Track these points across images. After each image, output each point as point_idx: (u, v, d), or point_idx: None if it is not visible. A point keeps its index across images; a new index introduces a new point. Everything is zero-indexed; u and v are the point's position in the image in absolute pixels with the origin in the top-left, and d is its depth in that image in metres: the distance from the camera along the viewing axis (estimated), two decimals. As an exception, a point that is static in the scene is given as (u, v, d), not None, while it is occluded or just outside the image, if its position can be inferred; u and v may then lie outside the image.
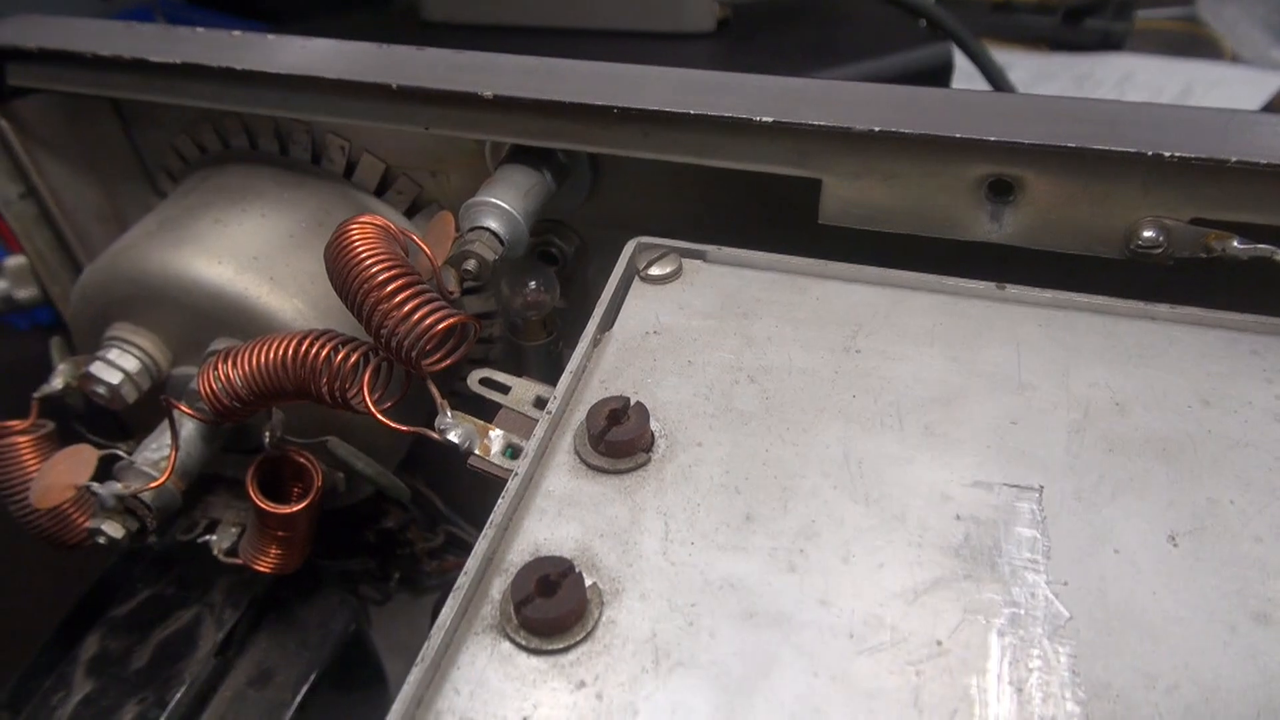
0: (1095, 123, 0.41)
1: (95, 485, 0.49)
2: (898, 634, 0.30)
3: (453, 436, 0.41)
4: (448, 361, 0.42)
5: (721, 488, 0.35)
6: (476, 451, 0.41)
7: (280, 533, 0.53)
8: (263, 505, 0.51)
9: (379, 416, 0.42)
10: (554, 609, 0.30)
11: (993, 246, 0.45)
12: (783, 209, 0.50)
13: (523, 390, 0.44)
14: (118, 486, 0.49)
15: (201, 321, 0.52)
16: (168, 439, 0.53)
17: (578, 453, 0.36)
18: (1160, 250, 0.42)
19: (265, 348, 0.45)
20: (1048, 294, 0.41)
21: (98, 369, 0.52)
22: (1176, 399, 0.36)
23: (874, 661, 0.29)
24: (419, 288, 0.41)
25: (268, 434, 0.51)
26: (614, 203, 0.54)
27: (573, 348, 0.40)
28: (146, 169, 0.64)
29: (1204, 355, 0.38)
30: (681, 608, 0.31)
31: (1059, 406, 0.37)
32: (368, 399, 0.42)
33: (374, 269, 0.42)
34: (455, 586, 0.32)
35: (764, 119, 0.43)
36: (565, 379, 0.39)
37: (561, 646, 0.30)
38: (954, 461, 0.35)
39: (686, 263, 0.44)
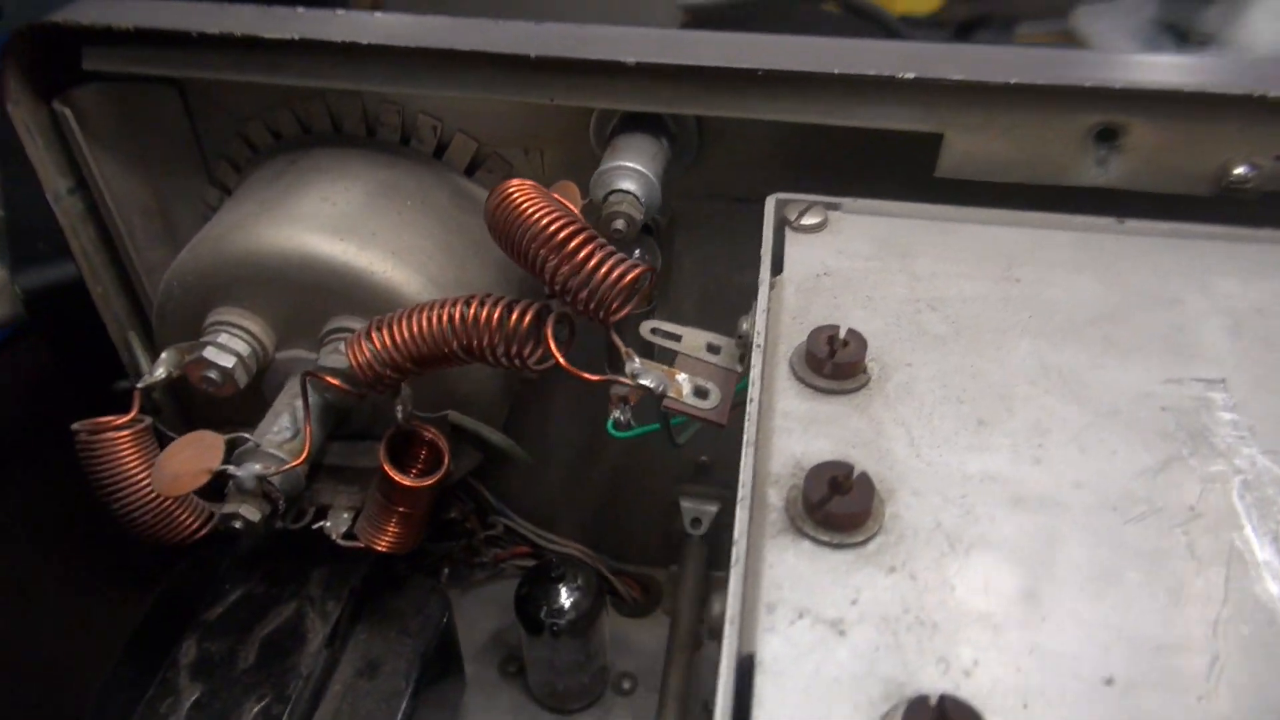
0: (1195, 71, 0.46)
1: (231, 468, 0.48)
2: (1153, 505, 0.33)
3: (647, 381, 0.42)
4: (626, 310, 0.43)
5: (944, 399, 0.37)
6: (670, 394, 0.43)
7: (403, 508, 0.52)
8: (396, 478, 0.50)
9: (570, 368, 0.43)
10: (851, 505, 0.32)
11: (1084, 192, 0.50)
12: (883, 168, 0.53)
13: (693, 338, 0.45)
14: (256, 468, 0.48)
15: (319, 300, 0.51)
16: (286, 421, 0.52)
17: (800, 379, 0.38)
18: (1250, 185, 0.47)
19: (428, 314, 0.45)
20: (1164, 225, 0.46)
21: (211, 354, 0.50)
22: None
23: (1142, 528, 0.32)
24: (599, 241, 0.43)
25: (400, 408, 0.50)
26: (713, 172, 0.56)
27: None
28: (205, 159, 0.62)
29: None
30: (954, 499, 0.33)
31: (1210, 314, 0.41)
32: (556, 352, 0.43)
33: (551, 226, 0.42)
34: (739, 499, 0.33)
35: (906, 75, 0.46)
36: (760, 317, 0.41)
37: (861, 539, 0.32)
38: (1139, 365, 0.39)
39: (829, 214, 0.47)
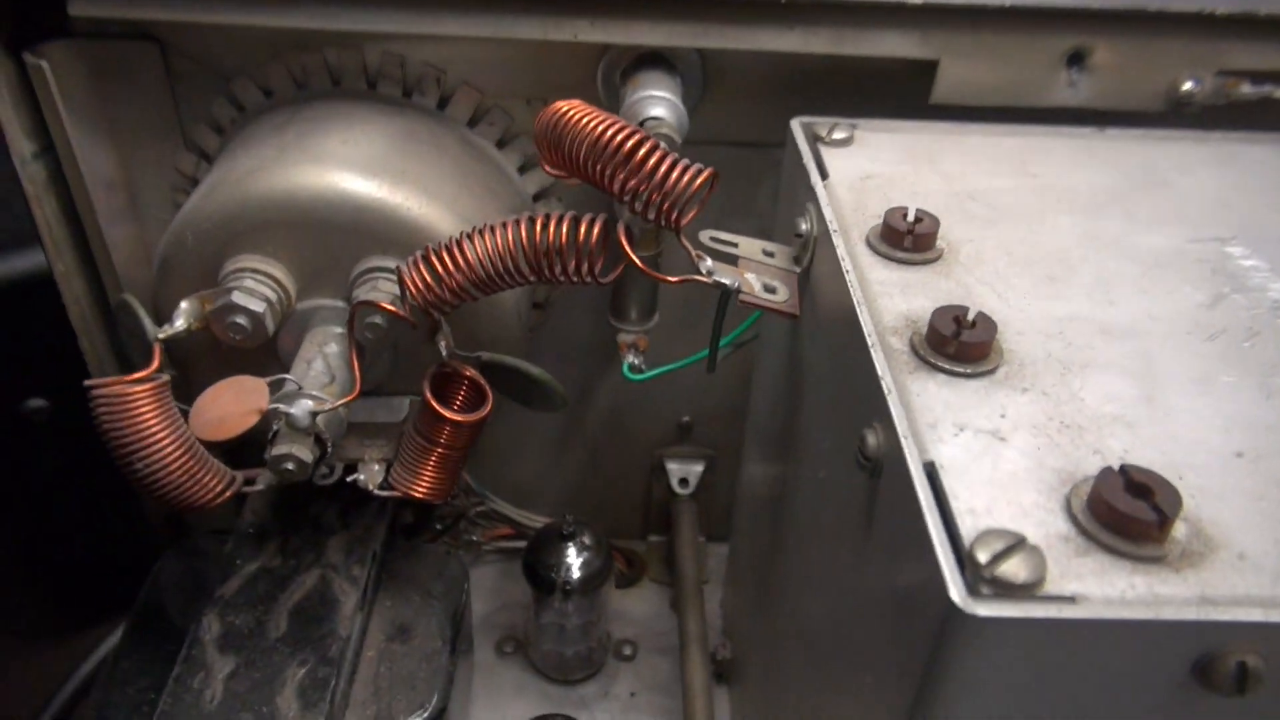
0: (1151, -3, 0.52)
1: (282, 406, 0.46)
2: (1220, 327, 0.38)
3: (723, 279, 0.44)
4: (695, 213, 0.45)
5: (1013, 263, 0.41)
6: (744, 291, 0.44)
7: (443, 449, 0.51)
8: (443, 411, 0.49)
9: (646, 269, 0.44)
10: (979, 336, 0.35)
11: (1057, 114, 0.55)
12: (875, 101, 0.57)
13: (749, 245, 0.47)
14: (310, 404, 0.46)
15: (350, 241, 0.50)
16: (320, 366, 0.50)
17: (883, 255, 0.41)
18: (1196, 100, 0.54)
19: (494, 235, 0.45)
20: (1136, 130, 0.52)
21: (240, 298, 0.48)
22: (1246, 177, 0.48)
23: (1217, 344, 0.37)
24: (664, 149, 0.44)
25: (443, 344, 0.50)
26: (712, 116, 0.59)
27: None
28: (181, 122, 0.59)
29: (1240, 154, 0.50)
30: (1054, 335, 0.37)
31: (1196, 190, 0.47)
32: (635, 258, 0.44)
33: (618, 137, 0.44)
34: (870, 344, 0.35)
35: (914, 1, 0.50)
36: (826, 210, 0.44)
37: (990, 368, 0.35)
38: (1162, 231, 0.44)
39: (854, 131, 0.51)
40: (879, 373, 0.34)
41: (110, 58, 0.56)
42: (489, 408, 0.51)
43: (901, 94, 0.56)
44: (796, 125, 0.51)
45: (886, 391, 0.33)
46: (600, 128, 0.44)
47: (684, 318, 0.67)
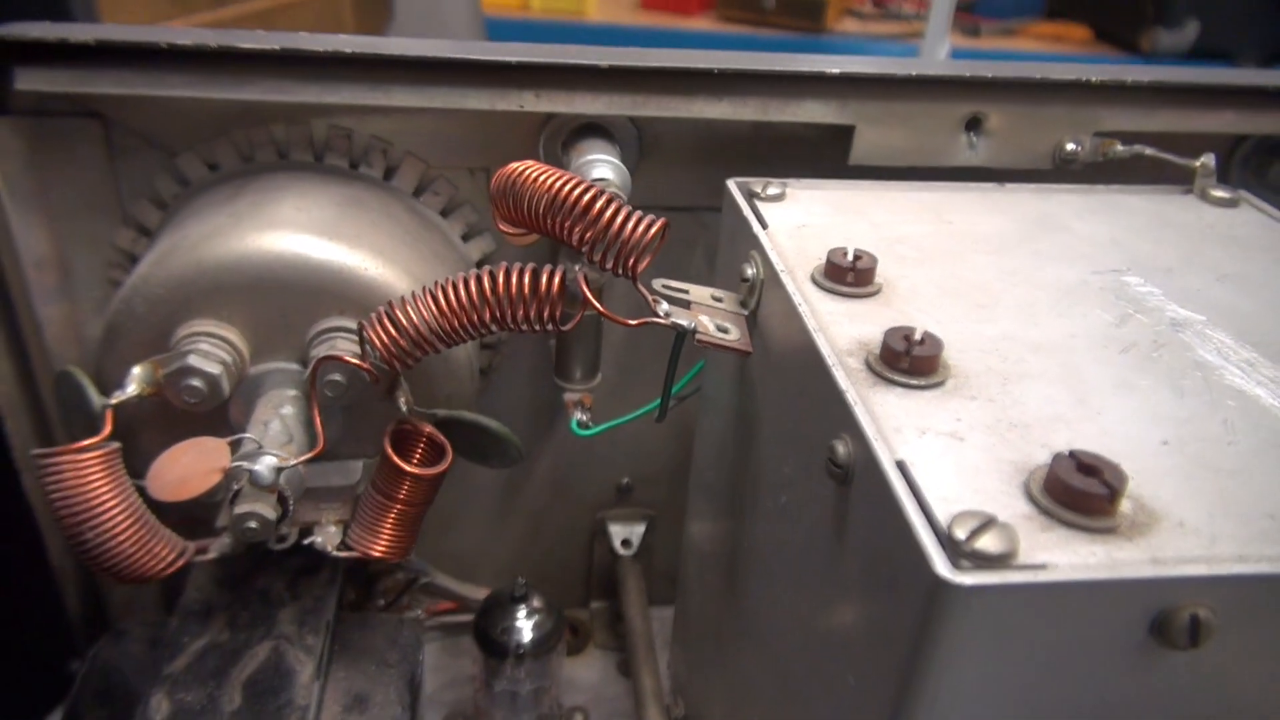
0: (1033, 68, 0.59)
1: (245, 464, 0.46)
2: (1127, 341, 0.42)
3: (679, 320, 0.46)
4: (648, 261, 0.47)
5: (944, 293, 0.45)
6: (700, 331, 0.47)
7: (402, 505, 0.51)
8: (403, 466, 0.50)
9: (608, 313, 0.46)
10: (928, 351, 0.38)
11: (959, 172, 0.61)
12: (794, 164, 0.62)
13: (698, 292, 0.50)
14: (273, 460, 0.46)
15: (307, 303, 0.51)
16: (277, 427, 0.50)
17: (828, 290, 0.44)
18: (1078, 159, 0.61)
19: (456, 288, 0.47)
20: (1032, 185, 0.58)
21: (196, 361, 0.48)
22: (1129, 221, 0.54)
23: (1130, 355, 0.41)
24: (619, 201, 0.47)
25: (403, 400, 0.50)
26: (647, 182, 0.63)
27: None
28: (121, 199, 0.59)
29: (1119, 203, 0.57)
30: (990, 351, 0.40)
31: (1090, 234, 0.52)
32: (595, 302, 0.46)
33: (573, 192, 0.46)
34: (829, 365, 0.38)
35: (831, 71, 0.55)
36: (771, 254, 0.47)
37: (940, 380, 0.38)
38: (1067, 266, 0.48)
39: (785, 188, 0.55)
40: (843, 388, 0.37)
41: (50, 134, 0.56)
42: (449, 462, 0.52)
43: (822, 157, 0.61)
44: (732, 184, 0.54)
45: (852, 404, 0.36)
46: (558, 183, 0.47)
47: (625, 376, 0.70)
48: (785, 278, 0.45)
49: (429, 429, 0.52)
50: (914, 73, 0.56)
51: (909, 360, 0.38)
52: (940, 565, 0.29)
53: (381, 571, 0.72)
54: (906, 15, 2.16)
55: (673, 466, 0.77)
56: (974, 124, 0.60)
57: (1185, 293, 0.47)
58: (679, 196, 0.64)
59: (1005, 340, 0.41)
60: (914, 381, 0.38)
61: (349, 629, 0.58)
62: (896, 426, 0.35)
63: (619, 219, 0.46)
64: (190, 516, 0.51)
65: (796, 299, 0.43)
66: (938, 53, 1.60)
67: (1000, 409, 0.37)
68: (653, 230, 0.46)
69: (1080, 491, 0.31)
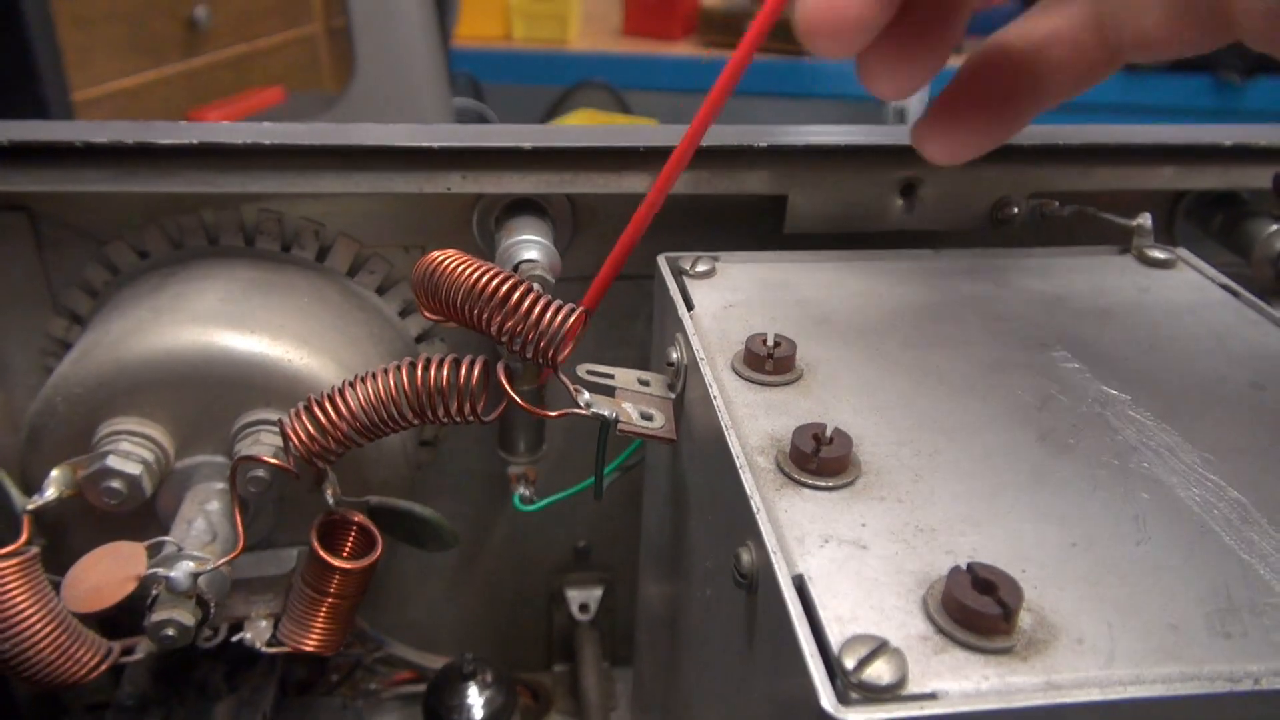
0: (966, 133, 0.59)
1: (161, 570, 0.45)
2: (1046, 427, 0.41)
3: (601, 410, 0.46)
4: (569, 351, 0.47)
5: (864, 379, 0.44)
6: (622, 420, 0.46)
7: (333, 598, 0.51)
8: (331, 560, 0.49)
9: (529, 406, 0.46)
10: (836, 451, 0.37)
11: (897, 235, 0.61)
12: (730, 232, 0.62)
13: (624, 376, 0.50)
14: (191, 565, 0.45)
15: (231, 397, 0.50)
16: (201, 525, 0.50)
17: (746, 379, 0.44)
18: (1015, 219, 0.61)
19: (376, 382, 0.46)
20: (966, 251, 0.57)
21: (115, 462, 0.48)
22: (1063, 287, 0.54)
23: (1047, 443, 0.40)
24: (536, 291, 0.47)
25: (330, 493, 0.50)
26: (583, 254, 0.62)
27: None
28: (51, 288, 0.59)
29: (1053, 266, 0.56)
30: (905, 442, 0.40)
31: (1023, 302, 0.52)
32: (514, 396, 0.46)
33: (492, 283, 0.46)
34: (738, 467, 0.38)
35: (760, 144, 0.55)
36: (693, 339, 0.47)
37: (849, 480, 0.37)
38: (996, 340, 0.48)
39: (714, 264, 0.54)
40: (748, 493, 0.36)
41: (-21, 227, 0.56)
42: (378, 553, 0.51)
43: (760, 224, 0.60)
44: (662, 260, 0.54)
45: (755, 511, 0.35)
46: (474, 275, 0.46)
47: (573, 444, 0.69)
48: (704, 366, 0.44)
49: (359, 518, 0.51)
50: (844, 142, 0.56)
51: (817, 461, 0.37)
52: (825, 699, 0.28)
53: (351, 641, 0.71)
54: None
55: (631, 527, 0.76)
56: (909, 188, 0.60)
57: (1112, 368, 0.46)
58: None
59: (921, 429, 0.41)
60: (822, 483, 0.37)
61: (290, 717, 0.57)
62: (800, 535, 0.35)
63: (536, 309, 0.46)
64: (130, 608, 0.50)
65: (713, 391, 0.43)
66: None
67: (908, 510, 0.36)
68: (571, 320, 0.46)
69: (975, 611, 0.30)
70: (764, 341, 0.44)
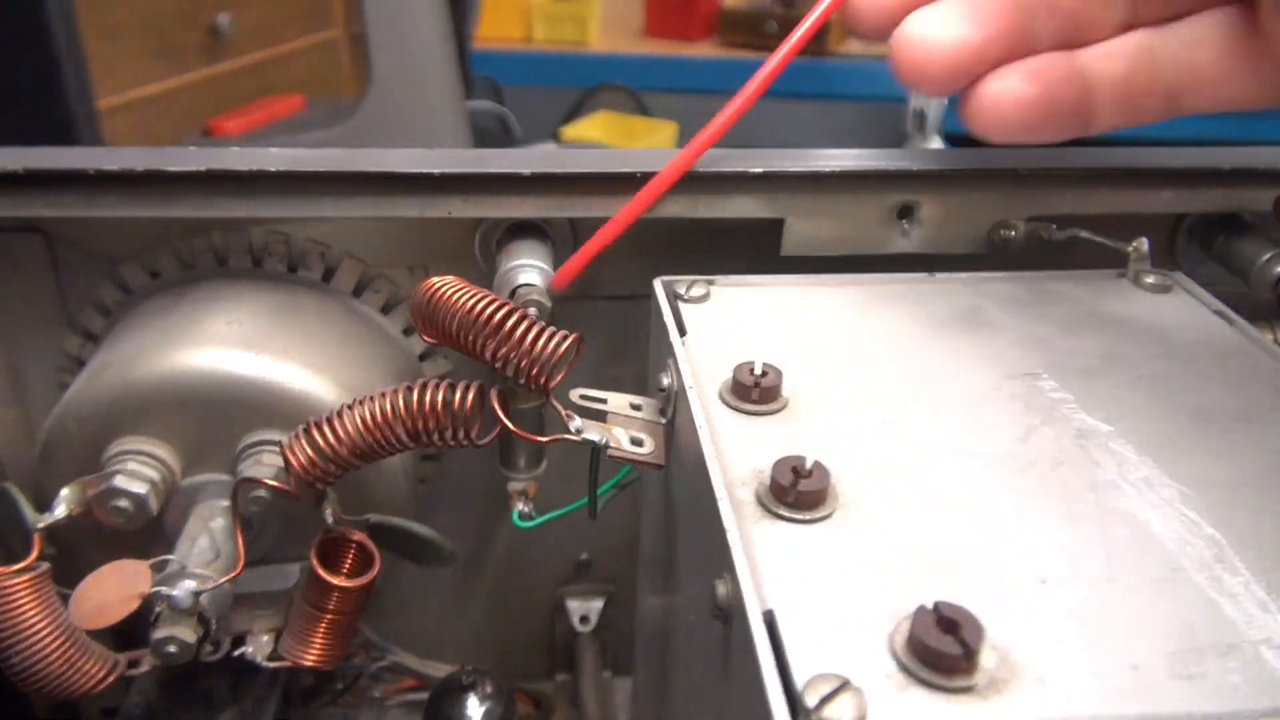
0: (969, 157, 0.59)
1: (164, 589, 0.47)
2: (1028, 459, 0.42)
3: (591, 436, 0.47)
4: (562, 376, 0.48)
5: (849, 408, 0.45)
6: (612, 446, 0.47)
7: (332, 615, 0.52)
8: (329, 578, 0.50)
9: (520, 432, 0.47)
10: (815, 485, 0.38)
11: (895, 258, 0.61)
12: (729, 253, 0.62)
13: (617, 401, 0.51)
14: (192, 584, 0.47)
15: (235, 418, 0.52)
16: (205, 543, 0.51)
17: (734, 408, 0.45)
18: (1011, 244, 0.61)
19: (372, 406, 0.47)
20: (962, 274, 0.58)
21: (122, 482, 0.49)
22: (1057, 313, 0.54)
23: (1027, 476, 0.41)
24: (530, 319, 0.48)
25: (329, 512, 0.51)
26: (587, 275, 0.63)
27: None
28: (67, 307, 0.61)
29: (1049, 290, 0.57)
30: (885, 476, 0.41)
31: (1013, 328, 0.52)
32: (507, 422, 0.47)
33: (486, 310, 0.47)
34: (717, 499, 0.38)
35: (755, 170, 0.56)
36: (683, 366, 0.47)
37: (826, 514, 0.38)
38: (984, 368, 0.49)
39: (710, 288, 0.55)
40: (725, 525, 0.37)
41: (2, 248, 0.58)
42: (376, 570, 0.52)
43: (758, 246, 0.61)
44: (659, 284, 0.55)
45: (732, 544, 0.36)
46: (470, 302, 0.47)
47: (574, 460, 0.70)
48: (692, 395, 0.45)
49: (359, 536, 0.53)
50: (840, 168, 0.57)
51: (795, 494, 0.38)
52: (787, 737, 0.29)
53: (355, 650, 0.72)
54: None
55: (632, 540, 0.77)
56: (906, 212, 0.60)
57: (1099, 397, 0.47)
58: (620, 286, 0.65)
59: (902, 462, 0.42)
60: (800, 516, 0.38)
61: (292, 729, 0.59)
62: (774, 569, 0.36)
63: (530, 336, 0.47)
64: (141, 619, 0.52)
65: (699, 420, 0.44)
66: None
67: (884, 544, 0.37)
68: (563, 347, 0.47)
69: (936, 651, 0.31)
70: (751, 370, 0.45)
